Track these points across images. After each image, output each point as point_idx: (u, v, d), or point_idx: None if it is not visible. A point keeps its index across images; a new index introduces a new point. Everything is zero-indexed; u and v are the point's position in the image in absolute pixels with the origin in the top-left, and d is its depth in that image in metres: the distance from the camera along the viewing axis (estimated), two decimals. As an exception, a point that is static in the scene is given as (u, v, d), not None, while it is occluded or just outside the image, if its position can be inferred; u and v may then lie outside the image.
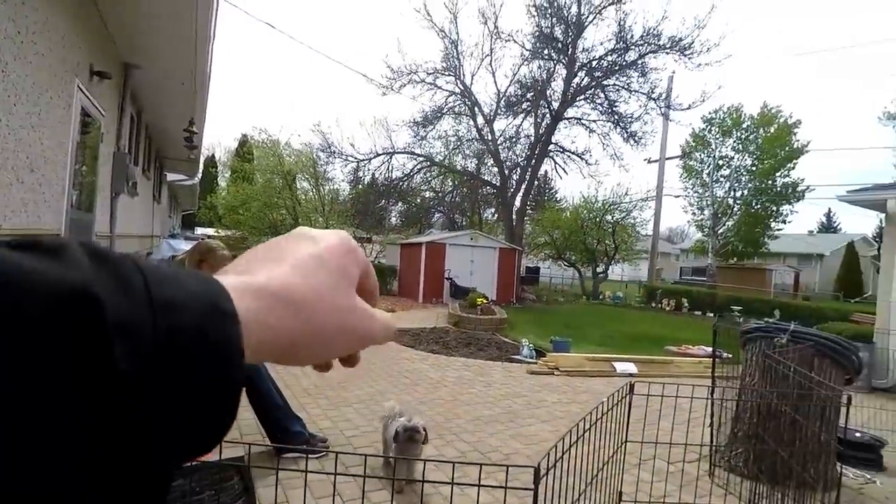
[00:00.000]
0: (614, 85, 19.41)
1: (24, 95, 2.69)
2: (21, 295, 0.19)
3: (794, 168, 25.60)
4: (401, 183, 21.81)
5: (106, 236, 5.53)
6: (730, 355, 3.94)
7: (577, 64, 19.22)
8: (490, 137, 20.90)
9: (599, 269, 21.92)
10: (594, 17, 18.61)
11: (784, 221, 27.20)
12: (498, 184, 21.39)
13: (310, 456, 3.00)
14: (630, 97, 19.49)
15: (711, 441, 3.39)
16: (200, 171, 18.03)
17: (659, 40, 17.98)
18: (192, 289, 0.24)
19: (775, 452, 2.89)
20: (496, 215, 25.19)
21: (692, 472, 3.22)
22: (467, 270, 15.28)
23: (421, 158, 21.77)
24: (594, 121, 20.27)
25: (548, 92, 19.77)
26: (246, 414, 3.57)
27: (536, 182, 24.61)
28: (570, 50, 19.02)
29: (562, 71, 19.73)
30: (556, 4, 18.63)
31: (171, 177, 14.13)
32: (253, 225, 20.00)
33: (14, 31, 2.49)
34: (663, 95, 19.34)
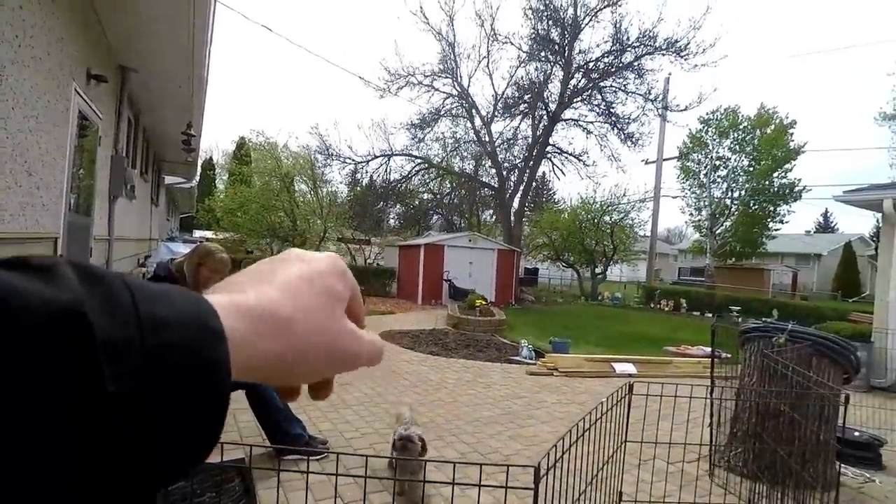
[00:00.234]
0: (611, 87, 19.48)
1: (21, 99, 2.69)
2: (10, 315, 0.19)
3: (791, 170, 25.69)
4: (399, 185, 21.84)
5: (104, 240, 5.52)
6: (728, 355, 3.95)
7: (574, 66, 19.29)
8: (488, 139, 20.94)
9: (598, 270, 21.95)
10: (590, 20, 18.70)
11: (781, 222, 27.29)
12: (496, 185, 21.42)
13: (310, 458, 2.99)
14: (627, 99, 19.57)
15: (711, 441, 3.40)
16: (198, 173, 18.03)
17: (655, 42, 18.06)
18: (181, 307, 0.25)
19: (775, 452, 2.90)
20: (494, 217, 25.21)
21: (692, 471, 3.23)
22: (466, 272, 15.28)
23: (419, 160, 21.80)
24: (591, 122, 20.35)
25: (545, 94, 19.82)
26: (246, 416, 3.56)
27: (534, 183, 24.67)
28: (567, 52, 19.08)
29: (559, 73, 19.80)
30: (552, 7, 18.69)
31: (169, 180, 14.11)
32: (251, 227, 19.95)
33: (12, 34, 2.49)
34: (660, 97, 19.41)
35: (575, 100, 19.76)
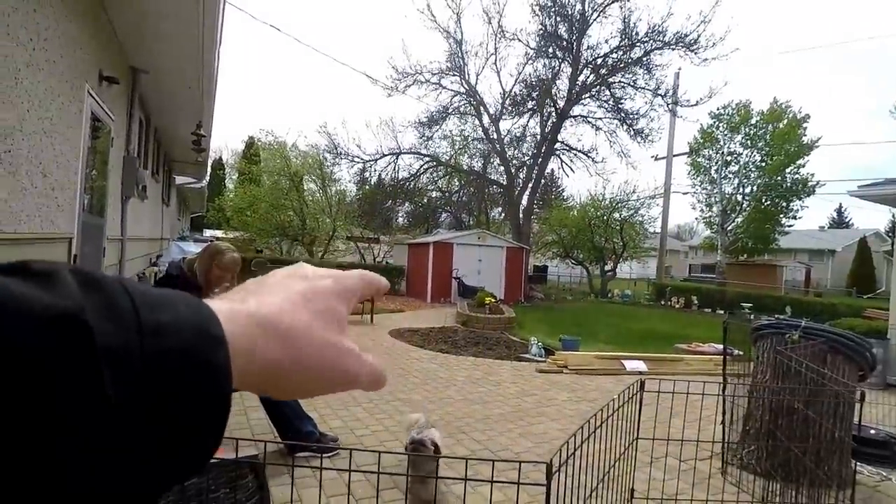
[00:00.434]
0: (620, 82, 19.34)
1: (36, 101, 2.73)
2: (9, 321, 0.19)
3: (804, 165, 25.33)
4: (407, 183, 21.87)
5: (117, 239, 5.59)
6: (741, 352, 3.91)
7: (582, 62, 19.17)
8: (496, 137, 20.89)
9: (607, 268, 21.83)
10: (598, 15, 18.57)
11: (794, 217, 26.89)
12: (504, 183, 21.37)
13: (322, 455, 3.02)
14: (636, 94, 19.43)
15: (723, 438, 3.37)
16: (208, 173, 18.17)
17: (664, 36, 17.89)
18: (182, 313, 0.25)
19: (788, 450, 2.87)
20: (503, 214, 25.16)
21: (704, 469, 3.20)
22: (475, 270, 15.27)
23: (427, 158, 21.81)
24: (600, 118, 20.22)
25: (553, 90, 19.73)
26: (258, 414, 3.60)
27: (543, 181, 24.57)
28: (575, 48, 18.97)
29: (567, 69, 19.71)
30: (559, 2, 18.58)
31: (179, 180, 14.24)
32: (260, 226, 20.10)
33: (26, 37, 2.52)
34: (670, 92, 19.23)
35: (583, 96, 19.66)
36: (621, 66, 18.83)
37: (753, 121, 25.93)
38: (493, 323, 9.94)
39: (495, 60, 20.85)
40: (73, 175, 3.61)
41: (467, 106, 21.18)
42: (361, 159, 20.79)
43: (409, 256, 16.83)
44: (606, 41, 19.05)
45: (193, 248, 8.56)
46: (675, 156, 22.94)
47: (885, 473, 3.37)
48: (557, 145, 20.62)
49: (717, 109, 26.54)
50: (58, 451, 0.20)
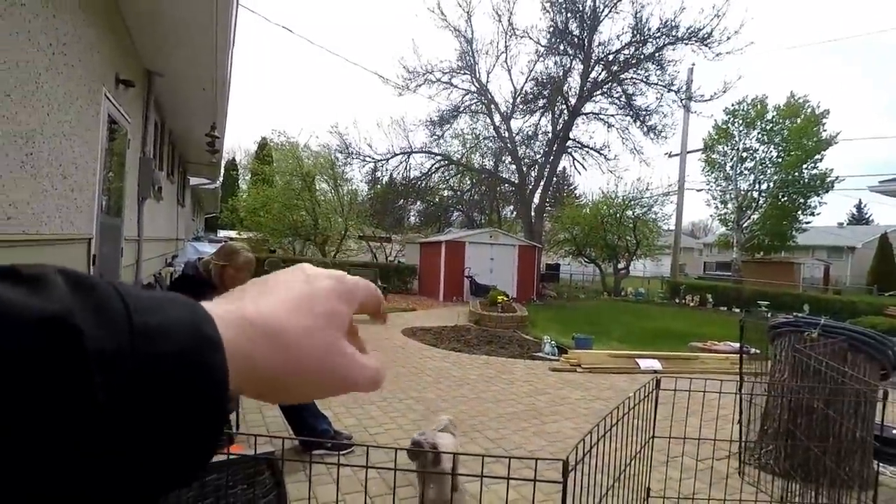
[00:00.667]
0: (632, 79, 19.15)
1: (56, 105, 2.78)
2: None
3: (821, 159, 24.84)
4: (419, 182, 21.90)
5: (134, 240, 5.68)
6: (757, 351, 3.85)
7: (594, 58, 19.02)
8: (507, 135, 20.82)
9: (621, 266, 21.65)
10: (609, 11, 18.40)
11: (812, 214, 26.35)
12: (516, 181, 21.30)
13: (338, 452, 3.04)
14: (648, 90, 19.21)
15: (741, 438, 3.33)
16: (222, 174, 18.38)
17: (677, 31, 17.67)
18: (176, 315, 0.24)
19: (808, 449, 2.82)
20: (515, 213, 25.08)
21: (721, 469, 3.17)
22: (487, 268, 15.25)
23: (438, 157, 21.82)
24: (612, 115, 20.05)
25: (564, 88, 19.60)
26: (272, 412, 3.63)
27: (555, 179, 24.44)
28: (586, 44, 18.83)
29: (578, 66, 19.57)
30: (570, -2, 18.46)
31: (193, 181, 14.43)
32: (273, 227, 20.29)
33: (46, 43, 2.57)
34: (683, 87, 19.00)
35: (595, 93, 19.50)
36: (633, 62, 18.64)
37: (769, 116, 25.49)
38: (505, 321, 9.91)
39: (506, 58, 20.82)
40: (91, 177, 3.67)
41: (478, 104, 21.15)
42: (373, 159, 20.89)
43: (421, 255, 16.85)
44: (618, 37, 18.88)
45: (208, 249, 8.67)
46: (689, 152, 22.66)
47: (908, 474, 3.30)
48: (569, 143, 20.49)
49: (732, 105, 26.14)
50: (48, 454, 0.19)
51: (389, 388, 4.91)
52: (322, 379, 0.31)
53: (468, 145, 23.15)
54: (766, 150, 25.86)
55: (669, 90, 18.69)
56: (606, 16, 18.52)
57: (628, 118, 19.63)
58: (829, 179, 24.92)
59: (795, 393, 3.10)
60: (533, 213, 20.38)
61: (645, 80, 18.92)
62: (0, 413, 0.19)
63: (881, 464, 3.05)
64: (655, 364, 6.34)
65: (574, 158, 21.39)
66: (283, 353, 0.29)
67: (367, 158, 20.80)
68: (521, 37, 19.79)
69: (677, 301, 18.54)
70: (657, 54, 18.31)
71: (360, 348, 0.34)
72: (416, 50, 34.85)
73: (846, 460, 2.84)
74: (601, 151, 20.75)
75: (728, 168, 26.69)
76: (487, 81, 20.47)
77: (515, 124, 21.15)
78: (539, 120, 21.13)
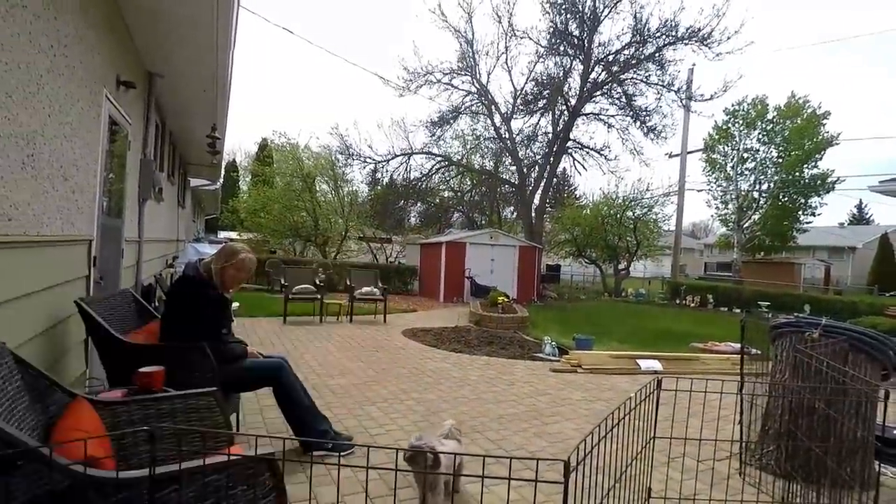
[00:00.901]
0: (632, 79, 19.15)
1: (57, 106, 2.78)
2: None
3: (821, 159, 24.82)
4: (419, 183, 21.90)
5: (134, 241, 5.68)
6: (758, 351, 3.85)
7: (594, 59, 19.02)
8: (508, 136, 20.83)
9: (621, 266, 21.64)
10: (609, 11, 18.41)
11: (813, 214, 26.34)
12: (516, 182, 21.30)
13: (339, 454, 3.04)
14: (648, 91, 19.21)
15: (741, 438, 3.32)
16: (222, 175, 18.38)
17: (676, 32, 17.68)
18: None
19: (809, 450, 2.82)
20: (515, 213, 25.08)
21: (722, 469, 3.16)
22: (487, 269, 15.25)
23: (439, 158, 21.82)
24: (612, 116, 20.05)
25: (564, 88, 19.60)
26: (273, 413, 3.63)
27: (555, 179, 24.44)
28: (586, 45, 18.83)
29: (578, 66, 19.57)
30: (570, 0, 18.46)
31: (194, 182, 14.43)
32: (274, 228, 20.31)
33: (48, 44, 2.57)
34: (683, 87, 19.00)
35: (595, 93, 19.51)
36: (633, 62, 18.64)
37: (770, 116, 25.49)
38: (506, 322, 9.91)
39: (506, 59, 20.83)
40: (92, 178, 3.68)
41: (479, 105, 21.15)
42: (373, 160, 20.89)
43: (421, 256, 16.85)
44: (618, 37, 18.88)
45: (209, 250, 8.67)
46: (689, 153, 22.63)
47: (909, 475, 3.29)
48: (569, 143, 20.49)
49: (733, 105, 26.15)
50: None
51: (390, 389, 4.91)
52: None
53: (468, 146, 23.17)
54: (766, 150, 25.86)
55: (670, 90, 18.71)
56: (606, 16, 18.54)
57: (628, 118, 19.64)
58: (829, 180, 24.92)
59: (796, 393, 3.09)
60: (533, 214, 20.38)
61: (645, 80, 18.94)
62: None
63: (882, 464, 3.04)
64: (656, 365, 6.34)
65: (574, 159, 21.41)
66: None
67: (368, 159, 20.81)
68: (522, 38, 19.80)
69: (678, 302, 18.53)
70: (657, 54, 18.31)
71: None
72: (416, 51, 34.76)
73: (847, 461, 2.84)
74: (601, 152, 20.76)
75: (728, 168, 26.70)
76: (488, 82, 20.50)
77: (516, 125, 21.18)
78: (539, 120, 21.14)
